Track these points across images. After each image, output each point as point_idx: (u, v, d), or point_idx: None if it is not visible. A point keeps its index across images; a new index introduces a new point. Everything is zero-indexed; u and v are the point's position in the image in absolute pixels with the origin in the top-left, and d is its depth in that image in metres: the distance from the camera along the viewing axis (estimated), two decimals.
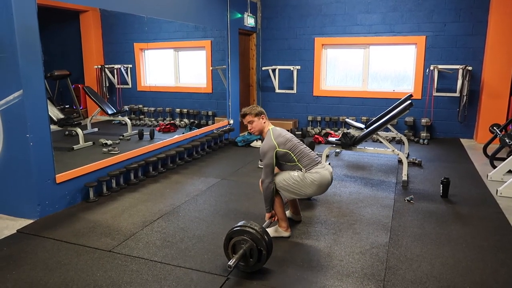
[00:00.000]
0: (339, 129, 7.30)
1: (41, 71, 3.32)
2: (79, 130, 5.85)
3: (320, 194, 3.20)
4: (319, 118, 7.55)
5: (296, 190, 2.99)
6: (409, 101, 4.50)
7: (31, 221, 3.36)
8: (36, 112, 3.31)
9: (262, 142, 3.09)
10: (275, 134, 3.02)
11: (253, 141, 6.45)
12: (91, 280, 2.47)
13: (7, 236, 3.08)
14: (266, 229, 3.10)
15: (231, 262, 2.41)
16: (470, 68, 6.33)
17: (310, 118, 7.59)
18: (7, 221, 3.37)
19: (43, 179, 3.41)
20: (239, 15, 6.90)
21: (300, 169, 2.99)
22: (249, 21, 7.20)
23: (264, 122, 3.09)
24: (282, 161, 3.04)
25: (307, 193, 3.04)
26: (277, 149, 2.96)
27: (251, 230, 2.50)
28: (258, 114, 3.07)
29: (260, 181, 3.03)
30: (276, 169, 3.09)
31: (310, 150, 3.12)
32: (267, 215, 3.11)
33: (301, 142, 3.13)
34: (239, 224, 2.58)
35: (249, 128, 3.12)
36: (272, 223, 3.15)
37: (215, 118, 7.57)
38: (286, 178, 2.99)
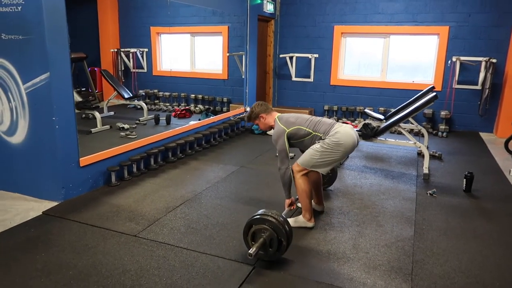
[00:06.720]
0: (355, 119, 7.23)
1: (67, 54, 3.30)
2: (97, 114, 5.86)
3: (352, 151, 3.02)
4: (335, 108, 7.47)
5: (326, 159, 2.89)
6: (434, 93, 4.41)
7: (55, 203, 3.39)
8: (62, 95, 3.30)
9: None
10: (282, 120, 3.05)
11: None
12: (119, 264, 2.49)
13: (33, 218, 3.12)
14: (288, 218, 3.10)
15: (251, 251, 2.39)
16: (494, 60, 6.18)
17: (326, 107, 7.51)
18: (32, 202, 3.41)
19: (67, 162, 3.43)
20: (259, 1, 6.79)
21: (320, 138, 2.93)
22: (269, 7, 7.09)
23: (265, 119, 3.12)
24: (298, 139, 2.99)
25: (338, 156, 2.91)
26: (287, 130, 2.96)
27: (272, 219, 2.47)
28: (256, 118, 3.15)
29: (278, 169, 3.00)
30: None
31: (322, 118, 3.07)
32: (287, 201, 3.11)
33: (313, 116, 3.08)
34: (259, 212, 2.56)
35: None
36: (291, 211, 3.14)
37: (230, 104, 7.53)
38: (311, 154, 2.91)
